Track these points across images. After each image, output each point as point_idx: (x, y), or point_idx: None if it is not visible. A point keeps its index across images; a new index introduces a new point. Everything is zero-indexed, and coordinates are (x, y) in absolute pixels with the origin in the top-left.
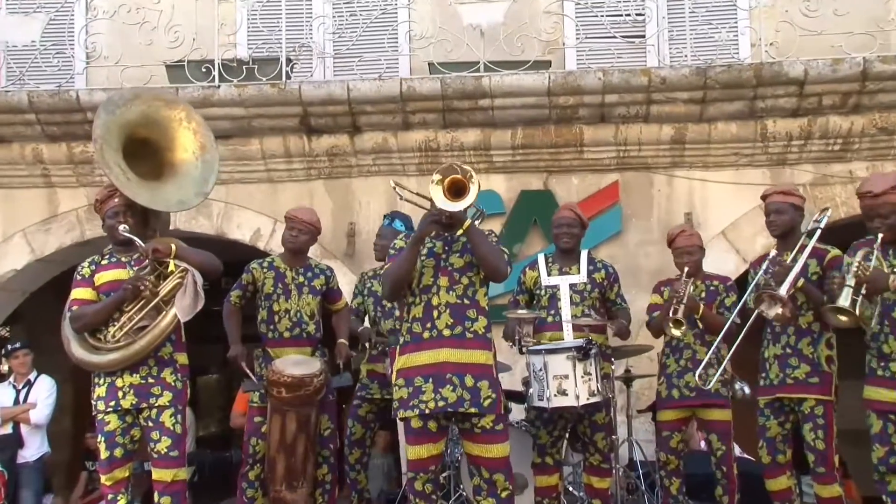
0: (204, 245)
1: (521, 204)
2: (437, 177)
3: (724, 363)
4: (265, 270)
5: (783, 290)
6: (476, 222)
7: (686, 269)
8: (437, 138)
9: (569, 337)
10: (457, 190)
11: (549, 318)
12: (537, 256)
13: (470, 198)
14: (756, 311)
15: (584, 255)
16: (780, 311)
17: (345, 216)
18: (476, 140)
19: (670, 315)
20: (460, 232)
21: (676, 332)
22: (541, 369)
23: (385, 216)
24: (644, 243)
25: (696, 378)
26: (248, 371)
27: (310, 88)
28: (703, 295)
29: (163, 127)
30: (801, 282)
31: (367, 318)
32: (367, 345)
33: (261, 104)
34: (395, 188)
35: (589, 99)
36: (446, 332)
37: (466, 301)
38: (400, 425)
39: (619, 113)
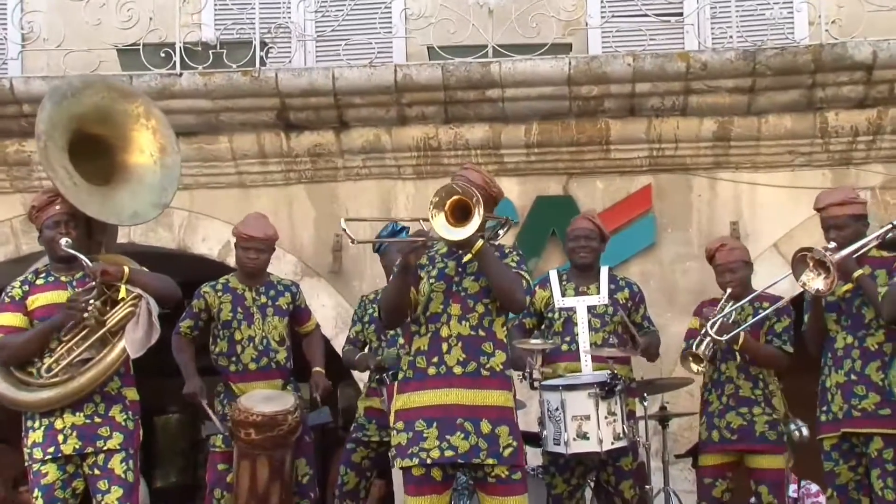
0: (164, 261)
1: (537, 212)
2: (434, 200)
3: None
4: (219, 294)
5: (837, 257)
6: (500, 233)
7: (728, 289)
8: (438, 135)
9: (587, 369)
10: (462, 212)
11: (564, 347)
12: (549, 274)
13: (476, 219)
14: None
15: (603, 272)
16: (824, 283)
17: (330, 227)
18: (484, 137)
19: (689, 349)
20: (469, 256)
21: (695, 368)
22: (557, 408)
23: (383, 231)
24: (682, 258)
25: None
26: (209, 410)
27: (288, 77)
28: (750, 319)
29: (117, 123)
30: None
31: (367, 349)
32: (370, 373)
33: (230, 95)
34: (344, 230)
35: (616, 88)
36: (457, 370)
37: (482, 332)
38: (397, 475)
39: (651, 105)
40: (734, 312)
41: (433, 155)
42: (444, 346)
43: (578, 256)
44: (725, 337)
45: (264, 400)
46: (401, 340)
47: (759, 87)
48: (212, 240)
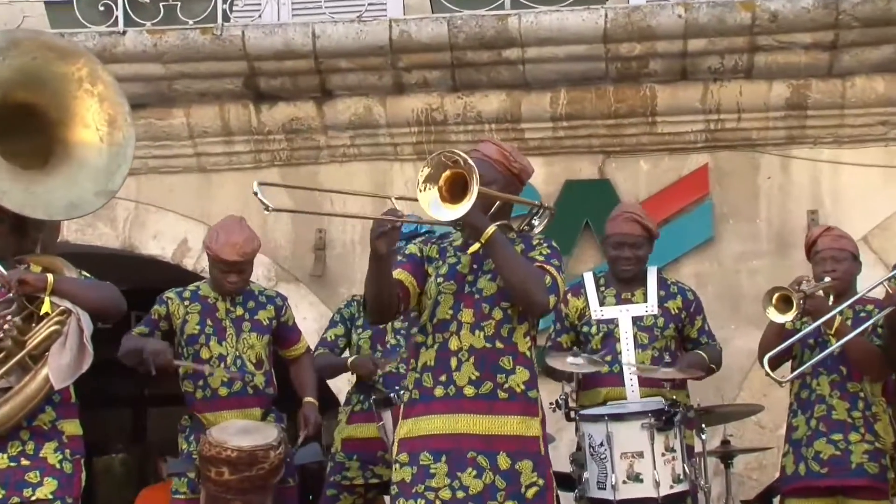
0: (106, 263)
1: (566, 199)
2: (424, 173)
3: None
4: (187, 303)
5: None
6: (535, 222)
7: (827, 278)
8: (444, 106)
9: (633, 395)
10: (462, 189)
11: (604, 368)
12: (583, 278)
13: (472, 194)
14: None
15: (651, 274)
16: None
17: (311, 220)
18: (500, 108)
19: (780, 288)
20: (476, 246)
21: (778, 318)
22: (602, 444)
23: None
24: (747, 256)
25: None
26: (185, 363)
27: (258, 35)
28: (850, 324)
29: (54, 90)
30: None
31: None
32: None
33: (186, 58)
34: (256, 194)
35: (664, 46)
36: (468, 391)
37: (499, 344)
38: None
39: (708, 66)
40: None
41: (437, 131)
42: (454, 362)
43: (621, 268)
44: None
45: (241, 432)
46: (403, 352)
47: (844, 42)
48: (165, 237)
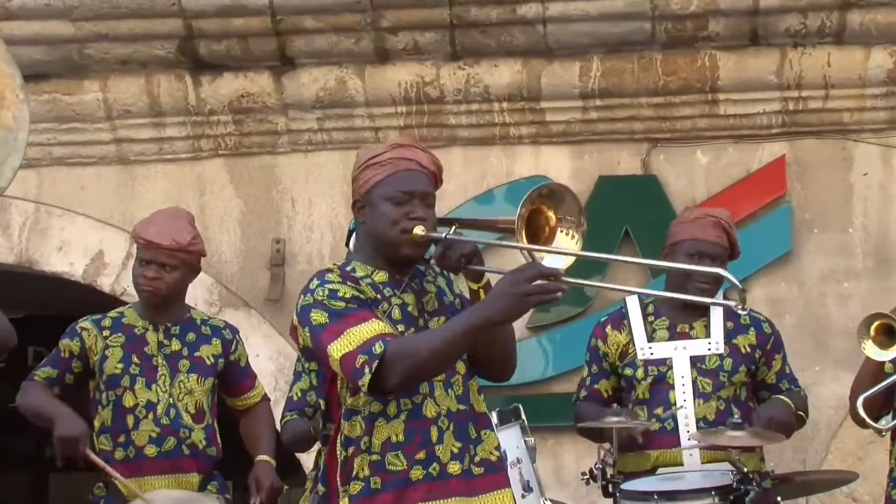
0: None
1: (600, 200)
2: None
3: None
4: (107, 333)
5: None
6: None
7: None
8: (441, 79)
9: (692, 460)
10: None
11: (655, 426)
12: (625, 304)
13: (582, 225)
14: None
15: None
16: None
17: (265, 227)
18: (514, 82)
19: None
20: (473, 287)
21: (878, 354)
22: None
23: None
24: (836, 275)
25: None
26: (99, 462)
27: None
28: None
29: None
30: None
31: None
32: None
33: (102, 16)
34: None
35: (729, 1)
36: (453, 468)
37: (464, 406)
38: None
39: (786, 28)
40: None
41: (432, 111)
42: (434, 432)
43: (697, 289)
44: None
45: None
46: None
47: None
48: (73, 249)
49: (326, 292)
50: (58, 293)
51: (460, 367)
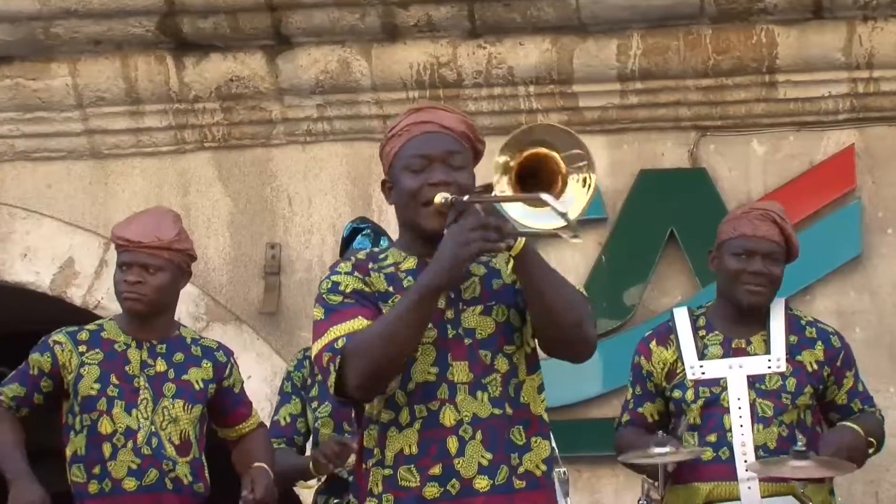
0: None
1: (642, 197)
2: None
3: None
4: (83, 349)
5: None
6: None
7: None
8: (458, 59)
9: (751, 495)
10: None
11: (707, 454)
12: (673, 316)
13: (592, 181)
14: None
15: (777, 309)
16: None
17: (259, 230)
18: (542, 62)
19: None
20: (508, 259)
21: None
22: None
23: (352, 224)
24: None
25: None
26: None
27: None
28: None
29: None
30: None
31: (315, 442)
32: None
33: None
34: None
35: None
36: (480, 483)
37: (509, 409)
38: None
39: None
40: None
41: (448, 96)
42: (453, 443)
43: (748, 292)
44: None
45: None
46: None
47: None
48: (39, 256)
49: (329, 285)
50: (21, 306)
51: (500, 363)
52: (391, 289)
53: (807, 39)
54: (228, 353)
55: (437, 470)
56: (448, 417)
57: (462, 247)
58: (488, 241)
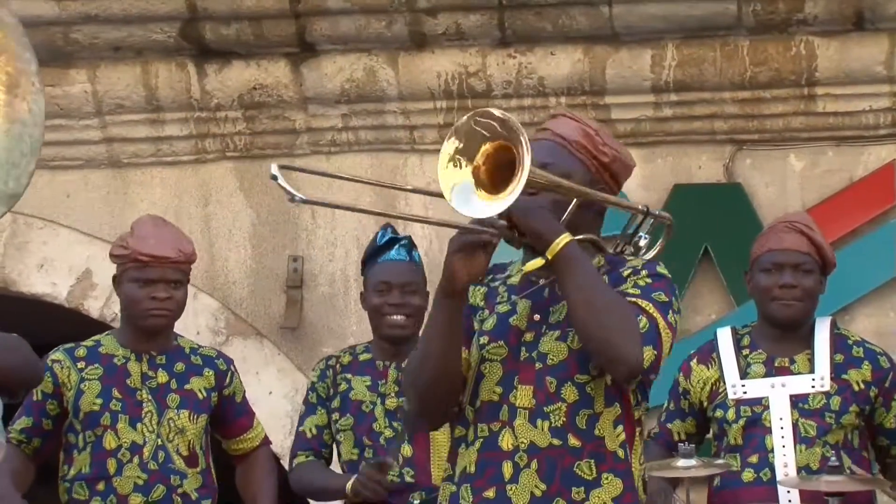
0: None
1: (676, 213)
2: (451, 146)
3: None
4: (82, 365)
5: None
6: (642, 235)
7: None
8: (487, 69)
9: None
10: (506, 169)
11: (748, 474)
12: (716, 335)
13: (521, 178)
14: None
15: (822, 327)
16: None
17: (281, 242)
18: (574, 73)
19: None
20: (535, 264)
21: None
22: None
23: (383, 230)
24: None
25: None
26: None
27: None
28: None
29: None
30: None
31: (338, 454)
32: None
33: None
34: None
35: None
36: None
37: (575, 441)
38: None
39: None
40: None
41: (477, 106)
42: (507, 468)
43: (781, 306)
44: None
45: None
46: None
47: None
48: (56, 267)
49: None
50: (37, 319)
51: (568, 392)
52: (482, 304)
53: (847, 52)
54: (228, 361)
55: (490, 493)
56: (506, 441)
57: (452, 254)
58: (471, 234)
